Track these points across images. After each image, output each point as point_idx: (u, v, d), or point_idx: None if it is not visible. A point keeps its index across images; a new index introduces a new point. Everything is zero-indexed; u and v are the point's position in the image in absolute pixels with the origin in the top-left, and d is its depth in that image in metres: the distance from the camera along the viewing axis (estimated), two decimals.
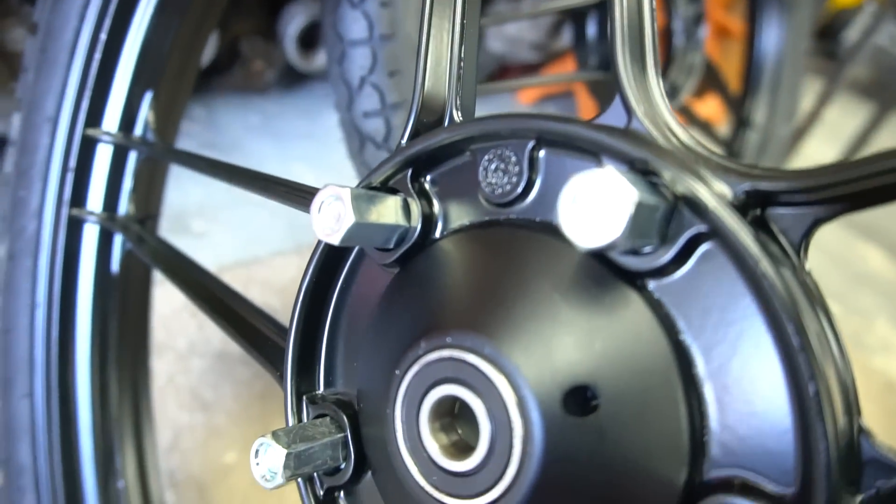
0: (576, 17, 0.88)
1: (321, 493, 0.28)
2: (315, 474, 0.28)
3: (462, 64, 0.28)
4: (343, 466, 0.28)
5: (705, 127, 1.09)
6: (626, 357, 0.21)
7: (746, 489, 0.20)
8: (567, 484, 0.21)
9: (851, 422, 0.19)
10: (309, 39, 1.14)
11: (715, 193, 0.20)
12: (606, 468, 0.21)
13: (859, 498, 0.19)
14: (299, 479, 0.28)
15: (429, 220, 0.27)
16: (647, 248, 0.21)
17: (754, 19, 1.08)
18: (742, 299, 0.20)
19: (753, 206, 0.20)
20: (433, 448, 0.22)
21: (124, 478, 0.48)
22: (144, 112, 0.48)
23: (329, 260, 0.29)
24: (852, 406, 0.19)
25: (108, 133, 0.48)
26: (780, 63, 1.10)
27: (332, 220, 0.24)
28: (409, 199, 0.27)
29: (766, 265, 0.19)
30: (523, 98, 1.69)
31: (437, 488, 0.22)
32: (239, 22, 1.05)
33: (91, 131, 0.47)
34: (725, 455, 0.20)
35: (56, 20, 0.46)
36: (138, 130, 0.48)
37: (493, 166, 0.25)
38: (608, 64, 0.90)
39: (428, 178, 0.27)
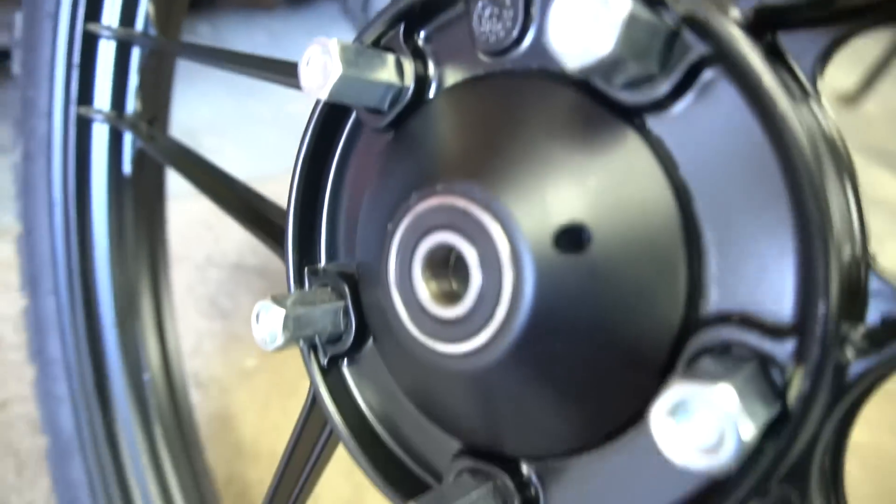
0: None
1: (324, 361, 0.29)
2: (318, 343, 0.28)
3: None
4: (344, 334, 0.28)
5: None
6: (621, 195, 0.20)
7: (745, 322, 0.19)
8: (560, 324, 0.20)
9: (855, 250, 0.18)
10: None
11: (719, 9, 0.19)
12: (599, 308, 0.20)
13: (861, 328, 0.18)
14: (303, 346, 0.28)
15: (423, 80, 0.26)
16: (646, 81, 0.20)
17: None
18: (749, 129, 0.19)
19: (763, 27, 0.19)
20: (425, 296, 0.22)
21: (150, 371, 0.51)
22: (144, 6, 0.47)
23: (325, 129, 0.28)
24: (856, 235, 0.18)
25: (108, 28, 0.47)
26: None
27: (319, 72, 0.23)
28: (403, 58, 0.25)
29: (778, 95, 0.18)
30: None
31: (430, 336, 0.22)
32: None
33: (91, 26, 0.47)
34: (724, 292, 0.20)
35: None
36: (139, 25, 0.47)
37: (487, 12, 0.23)
38: None
39: (422, 34, 0.26)
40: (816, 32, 0.18)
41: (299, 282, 0.30)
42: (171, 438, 0.50)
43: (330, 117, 0.28)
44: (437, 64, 0.26)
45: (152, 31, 0.47)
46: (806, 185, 0.18)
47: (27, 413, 0.64)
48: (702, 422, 0.17)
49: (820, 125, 0.19)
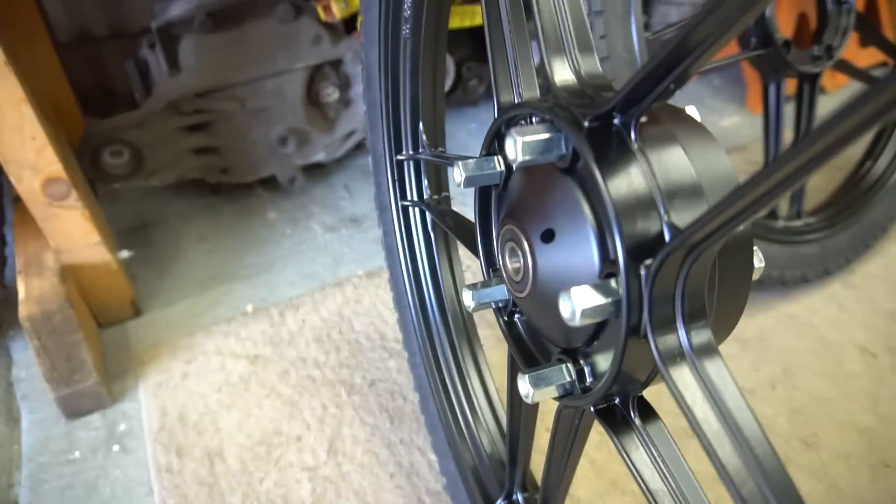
0: None
1: (506, 317, 0.51)
2: (498, 306, 0.52)
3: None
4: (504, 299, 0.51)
5: (864, 75, 1.11)
6: (567, 210, 0.40)
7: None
8: (550, 277, 0.42)
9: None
10: None
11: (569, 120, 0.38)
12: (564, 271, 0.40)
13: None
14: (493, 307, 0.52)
15: (509, 166, 0.46)
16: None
17: None
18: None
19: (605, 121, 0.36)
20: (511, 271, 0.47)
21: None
22: (421, 133, 0.74)
23: (483, 194, 0.52)
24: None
25: (407, 153, 0.76)
26: None
27: (458, 176, 0.46)
28: (498, 158, 0.47)
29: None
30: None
31: (514, 287, 0.47)
32: (460, 51, 1.38)
33: (399, 155, 0.77)
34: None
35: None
36: (420, 147, 0.75)
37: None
38: (765, 42, 0.95)
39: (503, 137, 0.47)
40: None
41: (486, 273, 0.53)
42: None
43: (482, 190, 0.51)
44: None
45: (427, 146, 0.74)
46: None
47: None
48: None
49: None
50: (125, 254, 1.20)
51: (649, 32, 0.95)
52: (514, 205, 0.45)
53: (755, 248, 0.37)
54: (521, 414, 0.58)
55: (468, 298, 0.50)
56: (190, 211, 1.43)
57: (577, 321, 0.33)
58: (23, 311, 0.93)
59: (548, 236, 0.41)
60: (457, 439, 0.76)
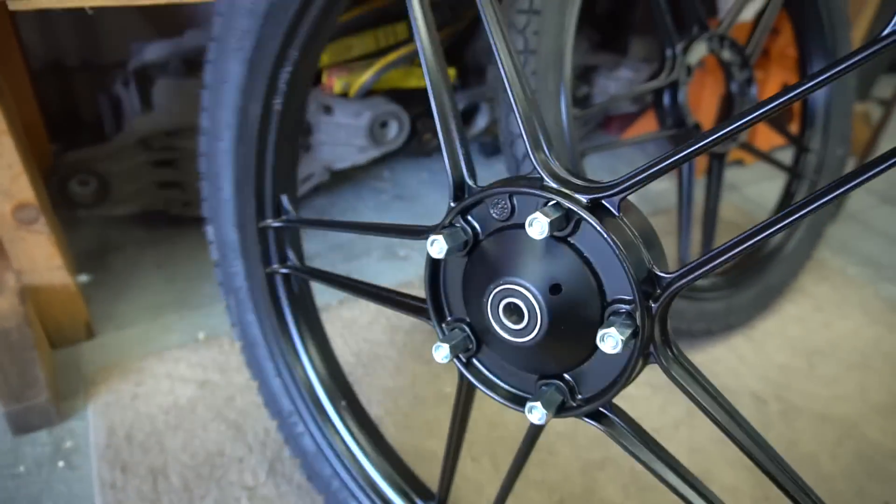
0: (656, 92, 1.20)
1: (464, 360, 0.59)
2: (460, 355, 0.58)
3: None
4: (472, 346, 0.58)
5: (764, 156, 1.29)
6: (569, 269, 0.49)
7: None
8: (561, 322, 0.50)
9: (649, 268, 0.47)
10: (464, 117, 1.57)
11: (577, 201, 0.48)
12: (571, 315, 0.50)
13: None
14: (455, 359, 0.58)
15: (476, 234, 0.54)
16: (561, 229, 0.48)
17: (804, 72, 1.25)
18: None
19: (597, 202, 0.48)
20: (506, 321, 0.52)
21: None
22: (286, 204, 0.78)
23: (433, 263, 0.58)
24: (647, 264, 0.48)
25: (269, 223, 0.78)
26: (831, 103, 1.26)
27: (435, 250, 0.52)
28: (462, 228, 0.54)
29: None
30: (628, 136, 2.06)
31: (508, 335, 0.53)
32: (415, 107, 1.48)
33: (261, 224, 0.78)
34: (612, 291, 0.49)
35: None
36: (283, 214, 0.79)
37: (496, 203, 0.53)
38: (678, 124, 1.10)
39: (469, 214, 0.55)
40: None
41: (442, 331, 0.59)
42: None
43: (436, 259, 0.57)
44: (477, 227, 0.54)
45: (293, 215, 0.78)
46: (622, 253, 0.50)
47: None
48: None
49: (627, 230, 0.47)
50: (84, 278, 1.25)
51: (578, 109, 1.09)
52: (504, 268, 0.51)
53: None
54: (461, 437, 0.68)
55: (440, 355, 0.55)
56: (149, 239, 1.49)
57: (618, 350, 0.45)
58: None
59: (555, 290, 0.49)
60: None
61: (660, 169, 0.45)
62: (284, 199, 0.77)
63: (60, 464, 0.98)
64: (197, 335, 1.23)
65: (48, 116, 1.52)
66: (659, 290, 0.46)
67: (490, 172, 1.79)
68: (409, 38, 1.44)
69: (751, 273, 1.28)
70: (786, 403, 1.14)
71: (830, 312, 1.36)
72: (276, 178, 0.75)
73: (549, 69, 0.97)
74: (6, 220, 1.00)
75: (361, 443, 0.84)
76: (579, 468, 1.00)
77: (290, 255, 0.80)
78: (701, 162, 1.46)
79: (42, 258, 1.06)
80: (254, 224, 0.77)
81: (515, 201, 0.50)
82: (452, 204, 0.55)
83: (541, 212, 0.46)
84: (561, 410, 0.54)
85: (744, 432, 0.49)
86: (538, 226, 0.45)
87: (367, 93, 1.38)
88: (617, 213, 0.47)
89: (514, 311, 0.51)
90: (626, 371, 0.49)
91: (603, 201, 0.47)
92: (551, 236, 0.48)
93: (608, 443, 1.03)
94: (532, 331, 0.50)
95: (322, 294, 1.19)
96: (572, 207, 0.47)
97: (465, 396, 0.65)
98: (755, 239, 0.41)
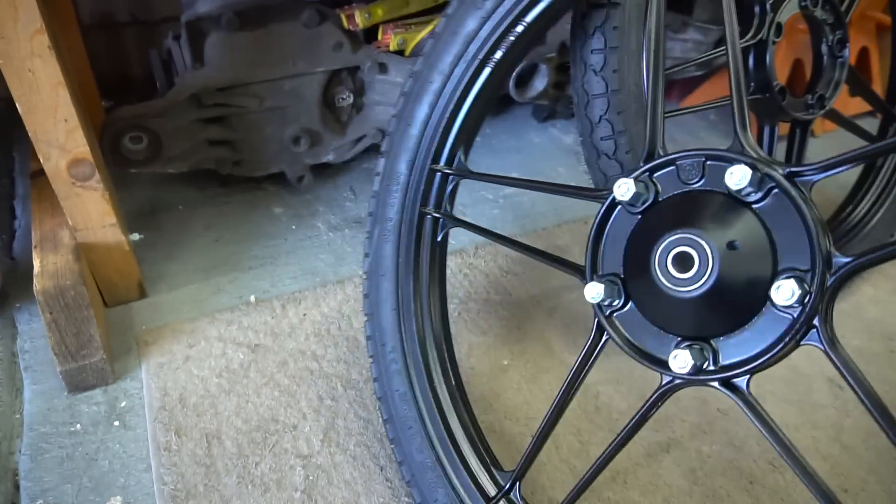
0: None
1: (606, 314, 0.65)
2: (603, 307, 0.65)
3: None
4: (617, 301, 0.64)
5: (850, 125, 1.20)
6: (747, 230, 0.56)
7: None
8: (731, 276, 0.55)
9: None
10: (522, 79, 1.50)
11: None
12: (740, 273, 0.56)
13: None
14: (596, 308, 0.65)
15: (657, 195, 0.62)
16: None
17: None
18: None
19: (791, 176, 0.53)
20: (673, 270, 0.59)
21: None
22: (459, 153, 0.84)
23: (605, 214, 0.66)
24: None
25: (441, 168, 0.84)
26: None
27: (622, 191, 0.63)
28: (646, 185, 0.62)
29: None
30: (690, 102, 1.91)
31: (675, 287, 0.59)
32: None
33: (433, 166, 0.83)
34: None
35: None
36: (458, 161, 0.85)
37: (686, 167, 0.59)
38: (762, 88, 1.02)
39: (654, 175, 0.62)
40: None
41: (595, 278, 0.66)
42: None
43: (607, 210, 0.66)
44: (661, 186, 0.61)
45: (463, 167, 0.84)
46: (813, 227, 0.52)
47: None
48: None
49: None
50: (136, 236, 1.24)
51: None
52: (682, 222, 0.57)
53: None
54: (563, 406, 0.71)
55: (593, 292, 0.63)
56: (199, 199, 1.47)
57: (791, 302, 0.51)
58: (37, 284, 0.97)
59: (731, 246, 0.55)
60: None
61: (855, 156, 0.51)
62: (460, 153, 0.83)
63: (116, 423, 0.98)
64: (248, 298, 1.21)
65: (98, 73, 1.50)
66: (834, 269, 0.51)
67: (544, 137, 1.72)
68: None
69: None
70: None
71: None
72: (461, 130, 0.81)
73: (632, 26, 0.90)
74: (62, 175, 0.98)
75: (451, 396, 0.84)
76: (643, 450, 0.96)
77: (446, 203, 0.84)
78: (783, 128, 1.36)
79: (96, 215, 1.04)
80: (426, 165, 0.82)
81: (707, 168, 0.57)
82: (643, 164, 0.62)
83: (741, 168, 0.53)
84: (698, 373, 0.57)
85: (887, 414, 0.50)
86: (739, 173, 0.52)
87: None
88: (808, 194, 0.53)
89: (684, 261, 0.57)
90: (783, 339, 0.53)
91: (796, 179, 0.53)
92: (738, 199, 0.55)
93: (673, 425, 0.98)
94: (699, 279, 0.55)
95: None
96: (772, 174, 0.53)
97: (589, 356, 0.67)
98: None
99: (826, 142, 1.81)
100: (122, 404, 1.01)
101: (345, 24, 1.28)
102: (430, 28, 1.28)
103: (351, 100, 1.38)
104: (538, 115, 1.80)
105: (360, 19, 1.26)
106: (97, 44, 1.67)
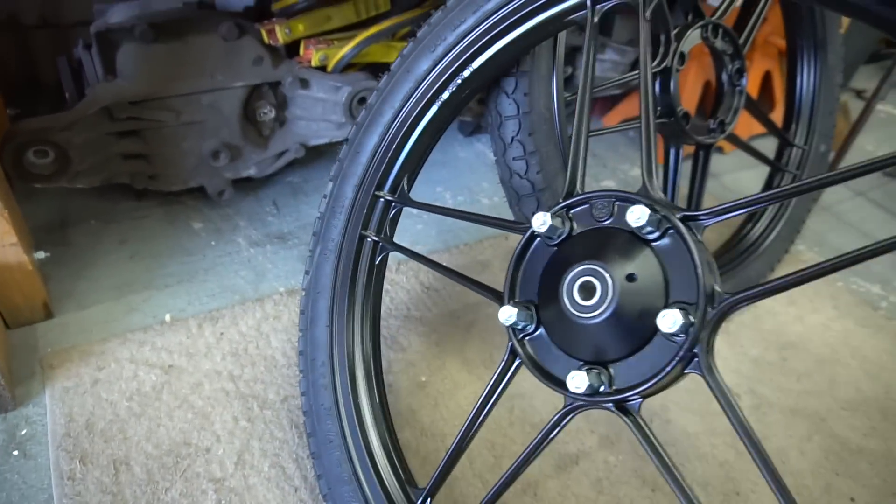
0: None
1: (518, 338, 0.70)
2: (516, 332, 0.70)
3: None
4: (531, 326, 0.69)
5: (748, 148, 1.28)
6: (645, 264, 0.61)
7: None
8: (628, 305, 0.61)
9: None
10: None
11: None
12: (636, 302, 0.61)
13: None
14: (510, 330, 0.70)
15: (571, 230, 0.68)
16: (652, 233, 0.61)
17: (793, 63, 1.24)
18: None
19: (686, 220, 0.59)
20: (578, 298, 0.64)
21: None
22: (402, 182, 0.88)
23: (524, 246, 0.71)
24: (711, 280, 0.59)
25: (384, 195, 0.88)
26: (817, 100, 1.25)
27: (539, 222, 0.68)
28: (562, 220, 0.68)
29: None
30: (607, 122, 2.00)
31: (579, 314, 0.64)
32: None
33: (377, 192, 0.88)
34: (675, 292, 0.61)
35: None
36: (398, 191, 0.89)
37: (599, 206, 0.66)
38: (668, 113, 1.07)
39: (569, 213, 0.69)
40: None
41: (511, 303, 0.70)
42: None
43: (528, 240, 0.71)
44: (574, 222, 0.68)
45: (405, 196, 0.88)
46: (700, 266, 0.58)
47: None
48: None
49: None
50: (41, 255, 1.18)
51: (568, 93, 1.05)
52: (589, 255, 0.63)
53: None
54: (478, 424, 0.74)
55: (506, 314, 0.68)
56: (113, 213, 1.42)
57: (674, 330, 0.56)
58: None
59: (630, 279, 0.61)
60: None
61: (744, 203, 0.59)
62: (404, 181, 0.88)
63: (14, 453, 0.94)
64: (163, 317, 1.18)
65: (4, 78, 1.43)
66: (716, 304, 0.58)
67: (469, 152, 1.75)
68: (391, 11, 1.38)
69: (730, 266, 1.27)
70: (759, 398, 1.15)
71: (803, 306, 1.37)
72: (407, 160, 0.86)
73: (543, 52, 0.94)
74: None
75: (374, 413, 0.86)
76: (554, 463, 0.99)
77: (386, 228, 0.88)
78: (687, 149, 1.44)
79: None
80: (371, 191, 0.87)
81: (616, 207, 0.64)
82: (562, 201, 0.68)
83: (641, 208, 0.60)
84: (594, 395, 0.62)
85: (754, 440, 0.60)
86: (639, 212, 0.59)
87: (346, 67, 1.32)
88: (699, 236, 0.60)
89: (588, 290, 0.62)
90: (666, 367, 0.58)
91: (690, 223, 0.60)
92: (639, 237, 0.61)
93: (583, 436, 1.03)
94: (600, 307, 0.61)
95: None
96: (670, 216, 0.60)
97: (502, 378, 0.71)
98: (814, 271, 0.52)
99: (734, 159, 1.92)
100: (23, 432, 0.97)
101: (265, 38, 1.27)
102: (352, 44, 1.29)
103: (273, 114, 1.36)
104: (464, 129, 1.83)
105: (280, 34, 1.26)
106: (2, 47, 1.58)
